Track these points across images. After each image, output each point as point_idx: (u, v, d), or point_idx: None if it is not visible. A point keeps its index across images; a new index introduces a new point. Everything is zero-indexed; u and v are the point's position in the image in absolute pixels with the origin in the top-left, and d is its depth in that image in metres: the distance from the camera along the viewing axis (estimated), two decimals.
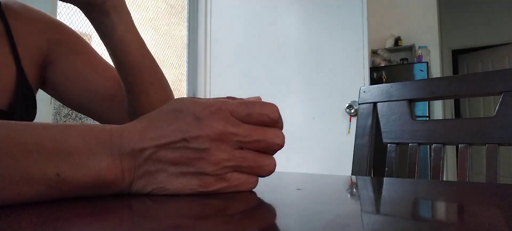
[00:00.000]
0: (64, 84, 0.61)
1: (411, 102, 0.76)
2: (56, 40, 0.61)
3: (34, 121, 0.56)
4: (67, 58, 0.61)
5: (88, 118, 1.57)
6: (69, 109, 1.54)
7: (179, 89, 2.43)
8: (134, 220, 0.21)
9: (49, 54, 0.60)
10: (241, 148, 0.29)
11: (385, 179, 0.44)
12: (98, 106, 0.63)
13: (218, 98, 0.31)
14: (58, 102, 1.42)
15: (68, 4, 0.53)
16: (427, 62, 3.81)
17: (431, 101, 3.83)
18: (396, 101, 0.77)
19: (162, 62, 2.29)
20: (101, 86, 0.62)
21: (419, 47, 4.06)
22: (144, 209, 0.25)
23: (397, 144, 0.77)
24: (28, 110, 0.55)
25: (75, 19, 1.72)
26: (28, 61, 0.57)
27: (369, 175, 0.79)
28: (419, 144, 0.74)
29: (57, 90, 0.62)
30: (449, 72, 5.13)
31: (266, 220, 0.22)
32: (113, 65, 0.63)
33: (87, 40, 0.65)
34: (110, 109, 0.63)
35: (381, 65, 4.07)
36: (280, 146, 0.31)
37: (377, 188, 0.37)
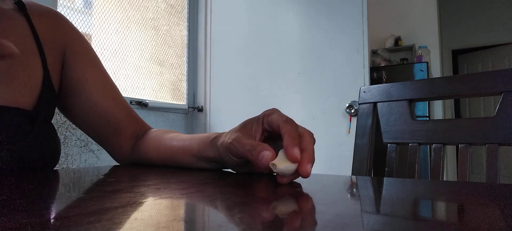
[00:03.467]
0: (68, 93, 0.61)
1: (411, 102, 0.76)
2: (73, 48, 0.62)
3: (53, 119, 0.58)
4: (77, 68, 0.61)
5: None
6: None
7: (179, 89, 2.43)
8: (133, 219, 0.21)
9: (64, 59, 0.61)
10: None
11: (385, 179, 0.44)
12: (97, 127, 0.62)
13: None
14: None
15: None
16: (427, 62, 3.81)
17: (431, 101, 3.82)
18: (396, 101, 0.77)
19: (162, 62, 2.30)
20: (105, 109, 0.62)
21: (419, 47, 4.07)
22: (144, 207, 0.25)
23: (397, 144, 0.77)
24: (50, 111, 0.56)
25: (75, 19, 1.72)
26: (53, 64, 0.58)
27: (369, 175, 0.79)
28: (419, 144, 0.74)
29: (60, 97, 0.62)
30: (449, 72, 5.13)
31: (266, 219, 0.22)
32: (120, 93, 0.64)
33: (87, 40, 0.66)
34: (110, 135, 0.63)
35: (381, 65, 4.07)
36: None
37: (377, 188, 0.37)
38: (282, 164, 0.35)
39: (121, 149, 0.63)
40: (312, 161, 0.36)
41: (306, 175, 0.35)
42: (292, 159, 0.35)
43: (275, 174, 0.38)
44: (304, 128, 0.40)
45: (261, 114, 0.42)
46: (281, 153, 0.36)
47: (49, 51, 0.58)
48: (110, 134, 0.63)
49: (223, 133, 0.45)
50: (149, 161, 0.57)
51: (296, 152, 0.35)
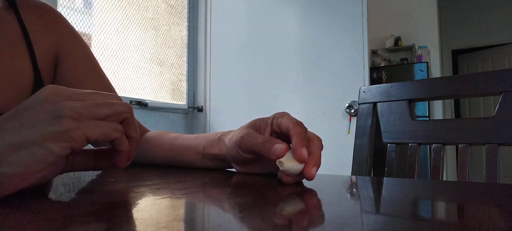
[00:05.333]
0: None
1: (411, 102, 0.76)
2: (67, 48, 0.60)
3: None
4: (72, 69, 0.59)
5: None
6: None
7: (179, 89, 2.43)
8: (133, 219, 0.21)
9: (57, 57, 0.59)
10: None
11: (385, 179, 0.44)
12: None
13: None
14: None
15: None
16: (427, 62, 3.81)
17: (431, 101, 3.82)
18: (396, 101, 0.77)
19: (162, 62, 2.30)
20: None
21: (419, 47, 4.06)
22: (144, 207, 0.25)
23: (397, 144, 0.77)
24: None
25: (75, 19, 1.72)
26: (44, 64, 0.56)
27: (369, 175, 0.79)
28: (419, 144, 0.74)
29: None
30: (449, 72, 5.13)
31: (266, 219, 0.22)
32: (114, 89, 0.62)
33: (86, 40, 0.65)
34: None
35: (381, 65, 4.07)
36: None
37: (377, 188, 0.37)
38: (289, 163, 0.36)
39: None
40: (317, 164, 0.37)
41: (310, 177, 0.36)
42: (299, 159, 0.36)
43: (278, 175, 0.39)
44: (313, 133, 0.40)
45: (271, 116, 0.42)
46: (288, 153, 0.37)
47: (41, 51, 0.55)
48: None
49: (231, 131, 0.46)
50: (150, 160, 0.57)
51: (304, 152, 0.36)
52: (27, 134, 0.26)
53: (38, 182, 0.29)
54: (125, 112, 0.32)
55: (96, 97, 0.31)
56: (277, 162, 0.36)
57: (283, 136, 0.40)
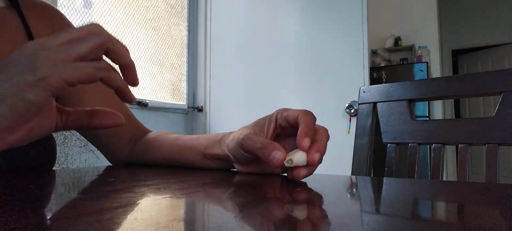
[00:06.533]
0: (64, 96, 0.56)
1: (411, 102, 0.76)
2: None
3: None
4: None
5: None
6: None
7: (179, 89, 2.43)
8: (133, 219, 0.21)
9: None
10: None
11: (385, 179, 0.44)
12: (94, 131, 0.60)
13: None
14: None
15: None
16: (427, 62, 3.81)
17: (431, 101, 3.82)
18: (396, 101, 0.77)
19: (162, 62, 2.30)
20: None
21: (419, 47, 4.06)
22: (144, 207, 0.25)
23: (397, 144, 0.77)
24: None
25: (74, 19, 1.72)
26: None
27: (369, 175, 0.79)
28: (419, 144, 0.74)
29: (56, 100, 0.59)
30: (449, 72, 5.13)
31: (266, 219, 0.22)
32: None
33: None
34: (107, 139, 0.61)
35: (381, 65, 4.07)
36: None
37: (377, 188, 0.37)
38: (295, 156, 0.36)
39: (118, 152, 0.62)
40: (321, 151, 0.37)
41: (312, 162, 0.36)
42: (301, 147, 0.36)
43: (288, 175, 0.39)
44: (320, 125, 0.41)
45: (274, 112, 0.42)
46: (296, 150, 0.37)
47: None
48: (107, 137, 0.61)
49: (232, 132, 0.46)
50: (151, 160, 0.57)
51: (305, 142, 0.36)
52: (5, 88, 0.27)
53: (31, 136, 0.29)
54: (104, 43, 0.30)
55: (70, 37, 0.29)
56: (285, 163, 0.36)
57: (291, 128, 0.40)
